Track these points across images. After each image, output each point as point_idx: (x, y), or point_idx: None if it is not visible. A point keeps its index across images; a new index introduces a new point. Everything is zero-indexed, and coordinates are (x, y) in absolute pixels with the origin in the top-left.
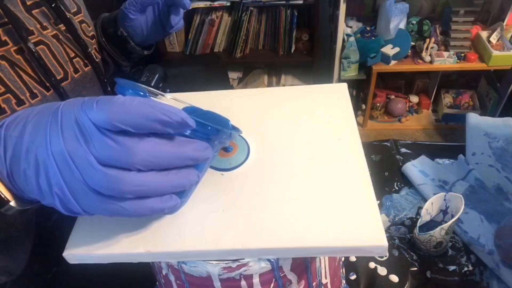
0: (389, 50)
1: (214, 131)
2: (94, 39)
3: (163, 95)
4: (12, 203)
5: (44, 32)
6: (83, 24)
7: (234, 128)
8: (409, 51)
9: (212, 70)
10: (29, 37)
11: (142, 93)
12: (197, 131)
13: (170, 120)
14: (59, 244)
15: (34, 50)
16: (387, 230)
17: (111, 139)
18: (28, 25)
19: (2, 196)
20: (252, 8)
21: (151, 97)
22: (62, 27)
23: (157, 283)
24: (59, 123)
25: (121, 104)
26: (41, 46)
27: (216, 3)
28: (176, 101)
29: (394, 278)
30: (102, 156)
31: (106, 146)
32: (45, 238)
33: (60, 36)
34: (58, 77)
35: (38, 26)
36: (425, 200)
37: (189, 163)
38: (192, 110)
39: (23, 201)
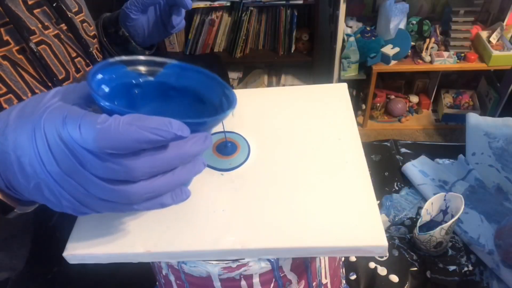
0: (389, 50)
1: (210, 122)
2: (96, 39)
3: (138, 58)
4: (17, 209)
5: (46, 32)
6: (85, 24)
7: (225, 95)
8: (409, 51)
9: (212, 70)
10: (31, 37)
11: (114, 76)
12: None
13: (162, 139)
14: (59, 245)
15: (35, 50)
16: (387, 230)
17: (106, 161)
18: (30, 25)
19: (7, 204)
20: (252, 8)
21: (129, 68)
22: (63, 26)
23: (157, 283)
24: (46, 143)
25: (106, 130)
26: (43, 46)
27: (216, 3)
28: (154, 61)
29: (394, 278)
30: (102, 175)
31: (103, 168)
32: (46, 238)
33: (62, 36)
34: (60, 77)
35: (40, 25)
36: (425, 200)
37: (192, 159)
38: (177, 68)
39: (25, 204)
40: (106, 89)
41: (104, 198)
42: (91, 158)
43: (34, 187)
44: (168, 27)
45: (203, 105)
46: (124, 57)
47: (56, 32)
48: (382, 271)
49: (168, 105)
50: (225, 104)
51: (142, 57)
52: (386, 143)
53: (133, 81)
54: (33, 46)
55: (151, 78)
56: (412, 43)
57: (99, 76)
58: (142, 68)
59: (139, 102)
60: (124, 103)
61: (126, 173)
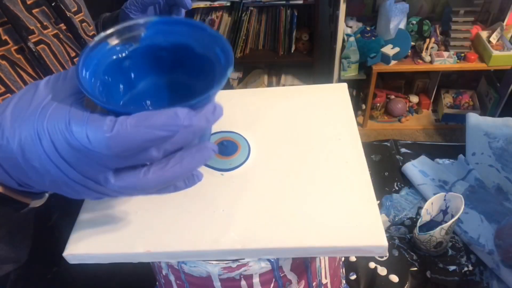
0: (389, 50)
1: (214, 93)
2: None
3: (116, 28)
4: (31, 205)
5: (45, 32)
6: (84, 24)
7: (219, 46)
8: (409, 51)
9: None
10: (30, 37)
11: (100, 60)
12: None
13: (172, 133)
14: (59, 244)
15: (34, 50)
16: (387, 230)
17: (121, 158)
18: (29, 25)
19: (21, 202)
20: (252, 8)
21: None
22: (62, 26)
23: (157, 283)
24: (56, 151)
25: (115, 138)
26: (42, 45)
27: (216, 3)
28: (136, 24)
29: (394, 278)
30: (119, 166)
31: (120, 161)
32: (46, 238)
33: (61, 36)
34: None
35: (39, 25)
36: (425, 200)
37: (205, 132)
38: (161, 25)
39: (38, 197)
40: (98, 82)
41: (121, 191)
42: (106, 159)
43: (51, 183)
44: None
45: (199, 63)
46: (102, 34)
47: (55, 31)
48: (382, 271)
49: (166, 74)
50: (221, 57)
51: (120, 25)
52: (386, 143)
53: (120, 56)
54: (31, 45)
55: (136, 45)
56: (412, 43)
57: (86, 74)
58: (124, 37)
59: (135, 74)
60: (121, 81)
61: (144, 157)
